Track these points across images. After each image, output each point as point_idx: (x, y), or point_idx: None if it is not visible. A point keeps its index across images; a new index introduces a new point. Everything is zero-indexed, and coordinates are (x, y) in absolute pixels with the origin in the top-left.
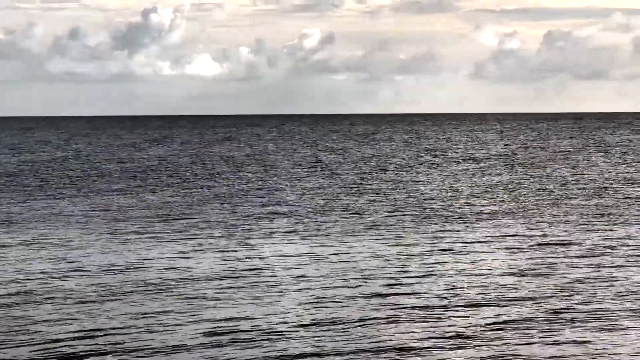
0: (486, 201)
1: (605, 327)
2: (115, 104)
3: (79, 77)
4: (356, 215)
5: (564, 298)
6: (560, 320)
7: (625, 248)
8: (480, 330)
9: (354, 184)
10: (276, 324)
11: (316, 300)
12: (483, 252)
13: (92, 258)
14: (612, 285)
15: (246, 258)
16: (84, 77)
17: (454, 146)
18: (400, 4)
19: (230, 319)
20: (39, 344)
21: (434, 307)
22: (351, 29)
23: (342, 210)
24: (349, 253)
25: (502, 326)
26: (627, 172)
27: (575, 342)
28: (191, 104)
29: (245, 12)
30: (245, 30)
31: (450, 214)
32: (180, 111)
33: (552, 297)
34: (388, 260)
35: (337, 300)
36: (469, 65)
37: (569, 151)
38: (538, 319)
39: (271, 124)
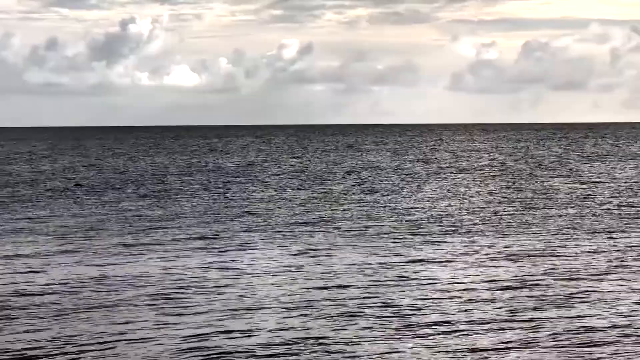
0: (467, 212)
1: (581, 335)
2: (93, 115)
3: (57, 88)
4: (335, 225)
5: (541, 309)
6: (537, 331)
7: (604, 259)
8: (456, 343)
9: (335, 193)
10: (251, 337)
11: (292, 312)
12: (460, 263)
13: (66, 270)
14: (588, 297)
15: (223, 269)
16: (62, 88)
17: (440, 156)
18: (378, 14)
19: (205, 331)
20: (11, 358)
21: (410, 319)
22: (329, 39)
23: (320, 221)
24: (326, 264)
25: (477, 337)
26: (611, 183)
27: (551, 351)
28: (170, 114)
29: (224, 23)
30: (224, 41)
31: (431, 224)
32: (159, 122)
33: (528, 308)
34: (365, 272)
35: (312, 313)
36: (447, 76)
37: (552, 161)
38: (513, 329)
39: (253, 134)
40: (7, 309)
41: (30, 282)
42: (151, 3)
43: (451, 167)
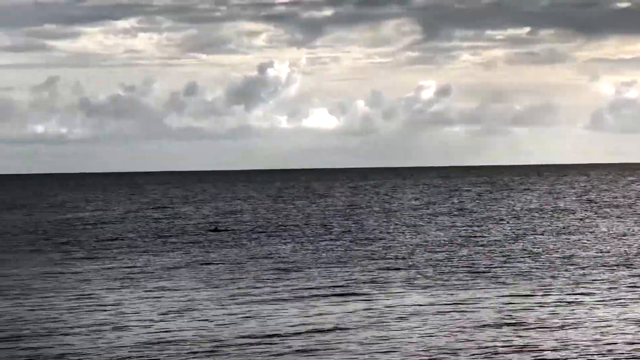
0: (620, 252)
1: None
2: (233, 159)
3: (197, 133)
4: (473, 265)
5: None
6: None
7: None
8: None
9: (473, 234)
10: None
11: (437, 355)
12: (605, 302)
13: (204, 312)
14: None
15: (365, 311)
16: (202, 132)
17: (597, 197)
18: (515, 55)
19: None
20: None
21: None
22: (466, 81)
23: (460, 261)
24: (464, 304)
25: None
26: None
27: None
28: (308, 157)
29: (360, 65)
30: (362, 84)
31: (573, 264)
32: (298, 165)
33: None
34: (505, 311)
35: (452, 353)
36: (586, 116)
37: None
38: None
39: (395, 176)
40: (148, 355)
41: (169, 322)
42: (289, 47)
43: (614, 207)
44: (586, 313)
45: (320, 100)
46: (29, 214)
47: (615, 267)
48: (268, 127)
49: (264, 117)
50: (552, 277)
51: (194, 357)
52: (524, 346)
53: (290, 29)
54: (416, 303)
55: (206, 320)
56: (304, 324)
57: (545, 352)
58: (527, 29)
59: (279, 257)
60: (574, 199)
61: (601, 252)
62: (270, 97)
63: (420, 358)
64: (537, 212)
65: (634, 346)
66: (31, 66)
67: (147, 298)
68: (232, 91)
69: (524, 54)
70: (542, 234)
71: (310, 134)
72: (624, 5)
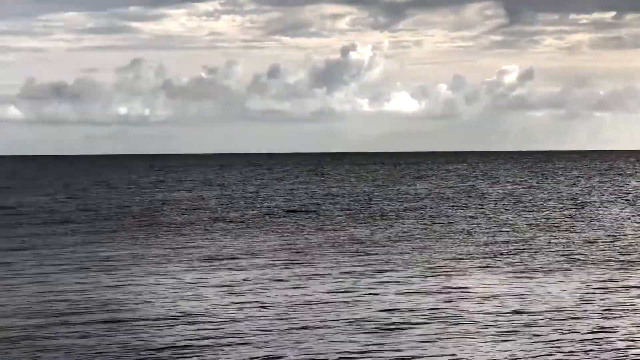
0: None
1: None
2: (315, 141)
3: (278, 115)
4: (551, 251)
5: None
6: None
7: None
8: None
9: (559, 219)
10: None
11: (508, 337)
12: None
13: (280, 292)
14: None
15: (437, 294)
16: (283, 115)
17: None
18: (600, 39)
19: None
20: None
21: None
22: (550, 65)
23: (537, 246)
24: (544, 290)
25: None
26: None
27: None
28: (390, 141)
29: (443, 49)
30: (444, 68)
31: None
32: (379, 148)
33: None
34: (588, 299)
35: (525, 339)
36: None
37: None
38: None
39: (483, 160)
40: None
41: (248, 304)
42: (371, 30)
43: None
44: None
45: (402, 84)
46: (119, 194)
47: None
48: (350, 110)
49: (345, 100)
50: (635, 262)
51: (271, 341)
52: (601, 330)
53: (373, 12)
54: (495, 287)
55: (283, 302)
56: (378, 307)
57: (615, 341)
58: (612, 13)
59: (358, 238)
60: None
61: None
62: (352, 80)
63: (496, 342)
64: (621, 198)
65: None
66: (115, 48)
67: (225, 280)
68: (314, 74)
69: (608, 39)
70: (626, 219)
71: (391, 117)
72: None
